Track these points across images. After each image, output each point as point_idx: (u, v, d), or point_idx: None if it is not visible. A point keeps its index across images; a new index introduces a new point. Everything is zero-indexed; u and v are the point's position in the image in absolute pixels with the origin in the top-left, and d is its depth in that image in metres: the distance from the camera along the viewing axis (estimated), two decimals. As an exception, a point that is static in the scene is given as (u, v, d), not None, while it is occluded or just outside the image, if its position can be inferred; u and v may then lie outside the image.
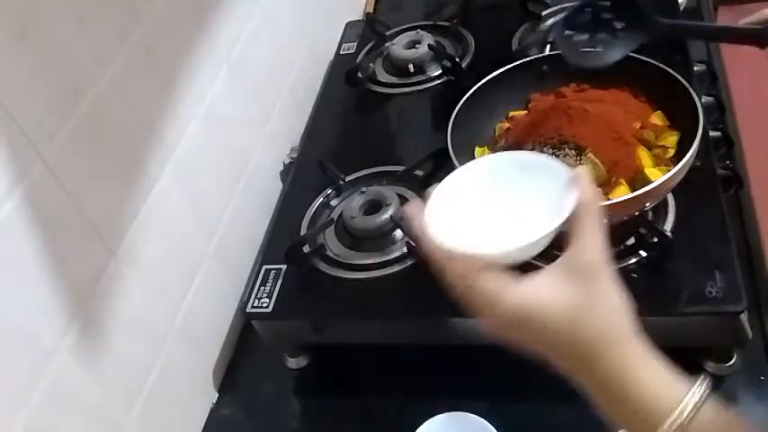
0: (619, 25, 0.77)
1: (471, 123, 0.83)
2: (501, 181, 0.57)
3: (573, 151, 0.74)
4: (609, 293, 0.48)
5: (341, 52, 1.22)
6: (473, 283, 0.50)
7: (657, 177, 0.70)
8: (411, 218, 0.54)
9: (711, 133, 0.85)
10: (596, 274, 0.48)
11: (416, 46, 1.12)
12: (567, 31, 0.80)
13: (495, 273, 0.50)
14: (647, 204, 0.71)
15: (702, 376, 0.46)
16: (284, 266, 0.85)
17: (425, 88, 1.08)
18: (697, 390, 0.46)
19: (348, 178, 0.95)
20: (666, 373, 0.47)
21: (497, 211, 0.56)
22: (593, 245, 0.48)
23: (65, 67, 0.65)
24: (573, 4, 0.82)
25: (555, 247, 0.51)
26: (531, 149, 0.76)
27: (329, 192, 0.94)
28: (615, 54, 0.77)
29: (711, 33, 0.92)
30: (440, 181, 0.57)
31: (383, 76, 1.13)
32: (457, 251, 0.50)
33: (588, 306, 0.47)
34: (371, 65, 1.14)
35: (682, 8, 1.04)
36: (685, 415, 0.45)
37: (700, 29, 0.91)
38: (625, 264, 0.73)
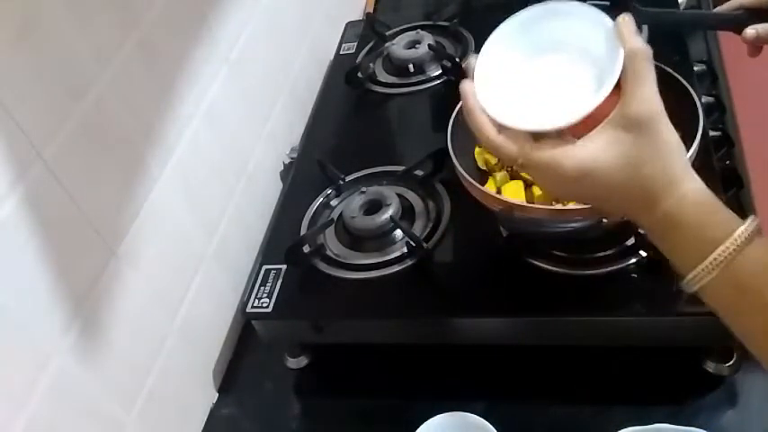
0: None
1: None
2: (540, 41, 0.57)
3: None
4: (665, 139, 0.50)
5: (341, 52, 1.22)
6: (530, 154, 0.52)
7: (657, 177, 0.69)
8: (465, 96, 0.56)
9: (711, 133, 0.85)
10: (651, 123, 0.50)
11: (416, 46, 1.12)
12: None
13: (550, 140, 0.52)
14: (648, 204, 0.71)
15: (753, 217, 0.48)
16: (284, 266, 0.85)
17: (425, 88, 1.08)
18: (750, 224, 0.48)
19: (348, 178, 0.95)
20: (720, 206, 0.50)
21: (543, 78, 0.56)
22: (645, 95, 0.50)
23: (65, 67, 0.65)
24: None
25: None
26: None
27: (329, 192, 0.94)
28: None
29: (689, 21, 0.93)
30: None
31: (383, 76, 1.13)
32: (512, 126, 0.52)
33: (647, 155, 0.50)
34: (371, 65, 1.14)
35: (682, 8, 1.04)
36: (738, 244, 0.47)
37: (678, 16, 0.92)
38: (625, 264, 0.73)
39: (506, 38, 0.59)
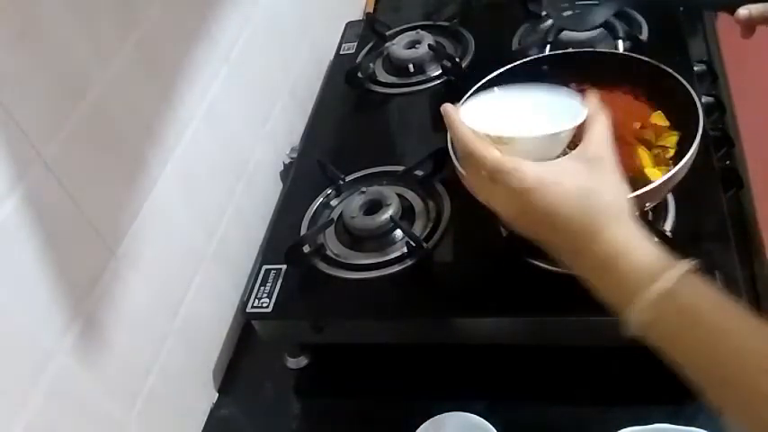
0: None
1: (471, 123, 0.83)
2: (518, 102, 0.66)
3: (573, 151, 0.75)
4: (614, 179, 0.55)
5: (341, 52, 1.22)
6: (500, 158, 0.56)
7: (657, 177, 0.70)
8: (446, 111, 0.62)
9: (711, 133, 0.85)
10: (604, 163, 0.56)
11: (416, 46, 1.12)
12: None
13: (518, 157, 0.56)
14: (647, 204, 0.71)
15: (692, 259, 0.50)
16: (284, 266, 0.85)
17: (425, 88, 1.08)
18: (686, 263, 0.50)
19: (348, 178, 0.95)
20: (658, 249, 0.52)
21: (519, 123, 0.62)
22: (601, 140, 0.56)
23: (65, 67, 0.65)
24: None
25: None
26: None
27: (329, 192, 0.94)
28: (597, 18, 0.80)
29: (685, 1, 0.93)
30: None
31: (383, 76, 1.13)
32: (486, 133, 0.59)
33: (597, 187, 0.54)
34: (371, 65, 1.14)
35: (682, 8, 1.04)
36: (671, 282, 0.48)
37: None
38: (625, 264, 0.73)
39: (487, 97, 0.68)
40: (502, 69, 0.85)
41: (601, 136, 0.57)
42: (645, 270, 0.50)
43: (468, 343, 0.80)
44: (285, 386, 0.87)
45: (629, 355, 0.75)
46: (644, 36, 0.99)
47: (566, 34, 1.01)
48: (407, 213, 0.87)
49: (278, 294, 0.82)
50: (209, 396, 0.88)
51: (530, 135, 0.58)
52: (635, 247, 0.52)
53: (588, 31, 0.96)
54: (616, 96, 0.80)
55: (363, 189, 0.90)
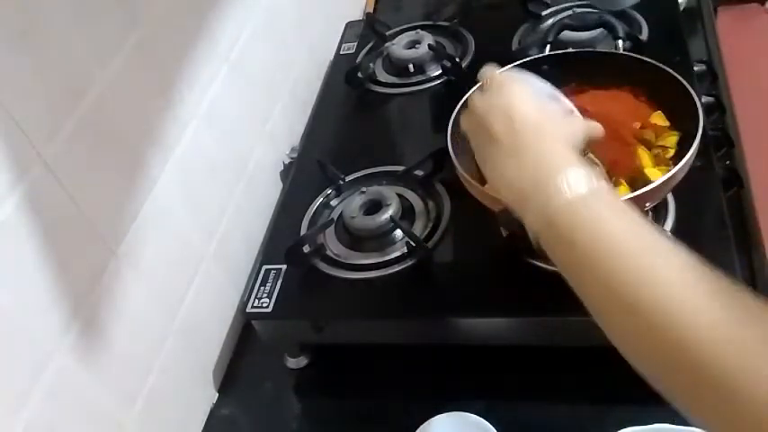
0: None
1: (471, 123, 0.83)
2: None
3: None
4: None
5: (341, 52, 1.22)
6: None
7: (657, 177, 0.69)
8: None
9: (711, 133, 0.85)
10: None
11: (416, 46, 1.12)
12: None
13: None
14: (647, 204, 0.71)
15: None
16: (284, 266, 0.85)
17: (425, 88, 1.08)
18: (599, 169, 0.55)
19: (348, 178, 0.95)
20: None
21: None
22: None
23: (65, 67, 0.65)
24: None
25: None
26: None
27: (329, 192, 0.94)
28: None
29: None
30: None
31: (383, 76, 1.13)
32: None
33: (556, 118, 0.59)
34: (371, 65, 1.14)
35: (682, 8, 1.04)
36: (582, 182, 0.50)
37: None
38: (625, 264, 0.73)
39: None
40: (502, 69, 0.85)
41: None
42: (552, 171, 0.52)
43: (467, 343, 0.80)
44: (285, 386, 0.87)
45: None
46: (644, 36, 0.99)
47: (566, 34, 1.01)
48: (407, 213, 0.87)
49: (278, 294, 0.82)
50: (209, 396, 0.88)
51: None
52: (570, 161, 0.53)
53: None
54: (616, 96, 0.80)
55: (363, 189, 0.90)
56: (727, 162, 0.84)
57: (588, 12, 1.05)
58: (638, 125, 0.77)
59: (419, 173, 0.91)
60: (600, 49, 0.98)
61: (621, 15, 1.01)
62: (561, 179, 0.50)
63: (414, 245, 0.81)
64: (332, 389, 0.86)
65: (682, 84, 0.75)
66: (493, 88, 0.61)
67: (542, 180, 0.51)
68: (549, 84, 0.67)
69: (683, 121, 0.75)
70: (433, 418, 0.73)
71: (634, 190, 0.69)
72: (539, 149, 0.55)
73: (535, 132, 0.56)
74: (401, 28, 1.20)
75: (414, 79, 1.10)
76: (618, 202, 0.50)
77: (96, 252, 0.69)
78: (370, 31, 1.21)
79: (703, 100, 0.82)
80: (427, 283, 0.81)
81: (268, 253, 0.89)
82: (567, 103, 0.65)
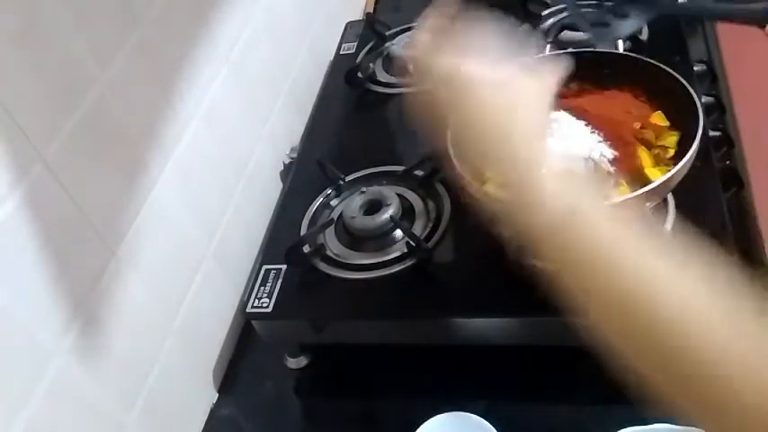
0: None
1: (471, 123, 0.83)
2: None
3: None
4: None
5: (341, 52, 1.22)
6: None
7: (657, 177, 0.69)
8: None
9: (711, 133, 0.85)
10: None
11: (416, 46, 1.12)
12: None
13: None
14: (647, 204, 0.71)
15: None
16: (284, 266, 0.85)
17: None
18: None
19: (348, 178, 0.95)
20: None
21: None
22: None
23: (65, 67, 0.65)
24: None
25: None
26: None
27: (329, 192, 0.94)
28: (625, 29, 0.79)
29: (713, 13, 0.94)
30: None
31: (383, 76, 1.13)
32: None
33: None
34: (371, 65, 1.14)
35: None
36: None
37: (702, 8, 0.93)
38: (625, 264, 0.73)
39: None
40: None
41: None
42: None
43: (467, 343, 0.80)
44: (285, 386, 0.87)
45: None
46: (644, 36, 0.99)
47: (566, 34, 1.01)
48: (407, 213, 0.87)
49: (278, 294, 0.82)
50: (209, 396, 0.88)
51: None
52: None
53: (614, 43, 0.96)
54: (616, 96, 0.80)
55: (363, 189, 0.90)
56: (727, 162, 0.84)
57: (588, 11, 1.04)
58: (638, 125, 0.77)
59: (419, 173, 0.91)
60: (600, 49, 0.97)
61: (621, 15, 1.01)
62: (543, 189, 0.50)
63: (414, 245, 0.81)
64: (332, 389, 0.86)
65: (682, 84, 0.75)
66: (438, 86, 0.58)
67: (527, 188, 0.51)
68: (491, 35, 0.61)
69: (683, 121, 0.75)
70: (432, 418, 0.73)
71: (634, 190, 0.69)
72: (514, 155, 0.53)
73: (505, 138, 0.54)
74: (401, 28, 1.20)
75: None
76: (603, 209, 0.50)
77: (96, 252, 0.69)
78: (370, 31, 1.21)
79: (703, 100, 0.82)
80: (427, 283, 0.81)
81: (268, 253, 0.89)
82: (520, 55, 0.60)
